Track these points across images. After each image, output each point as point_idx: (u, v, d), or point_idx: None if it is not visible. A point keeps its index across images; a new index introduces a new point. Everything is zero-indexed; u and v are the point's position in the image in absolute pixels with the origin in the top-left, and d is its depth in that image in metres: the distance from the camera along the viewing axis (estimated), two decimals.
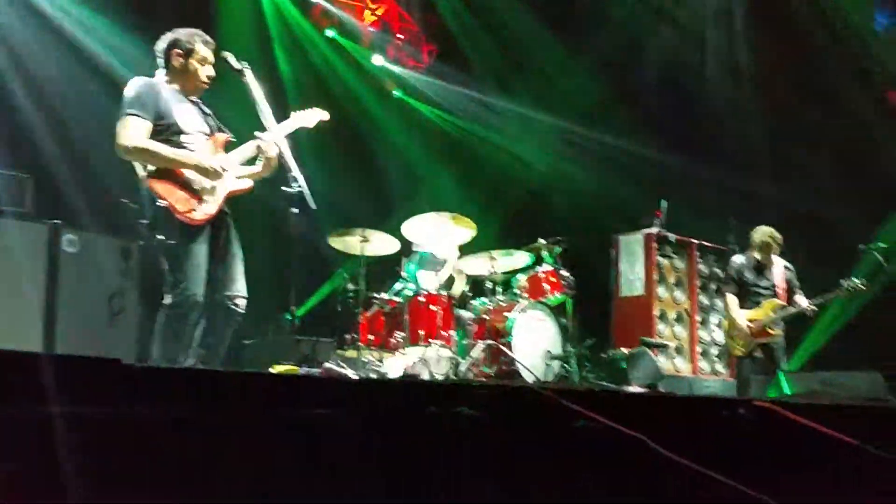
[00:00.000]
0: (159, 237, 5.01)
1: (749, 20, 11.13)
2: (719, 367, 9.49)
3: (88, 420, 1.75)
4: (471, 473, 2.05)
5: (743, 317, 8.26)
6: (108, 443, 1.77)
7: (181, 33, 5.28)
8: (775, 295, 8.26)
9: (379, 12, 11.77)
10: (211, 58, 5.27)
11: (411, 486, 2.03)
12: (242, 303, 5.20)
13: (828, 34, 10.50)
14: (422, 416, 2.09)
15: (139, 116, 4.98)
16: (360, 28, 11.56)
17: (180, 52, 5.22)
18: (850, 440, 2.53)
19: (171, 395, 1.85)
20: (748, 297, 8.35)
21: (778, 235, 8.38)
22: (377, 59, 11.64)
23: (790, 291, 8.29)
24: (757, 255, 8.40)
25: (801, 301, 8.13)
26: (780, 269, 8.38)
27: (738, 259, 8.55)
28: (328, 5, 11.10)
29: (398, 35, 11.98)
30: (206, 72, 5.26)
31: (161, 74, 5.26)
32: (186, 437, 1.85)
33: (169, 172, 5.04)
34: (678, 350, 9.23)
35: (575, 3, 11.19)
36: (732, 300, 8.43)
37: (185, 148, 5.11)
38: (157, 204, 4.97)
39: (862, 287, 7.85)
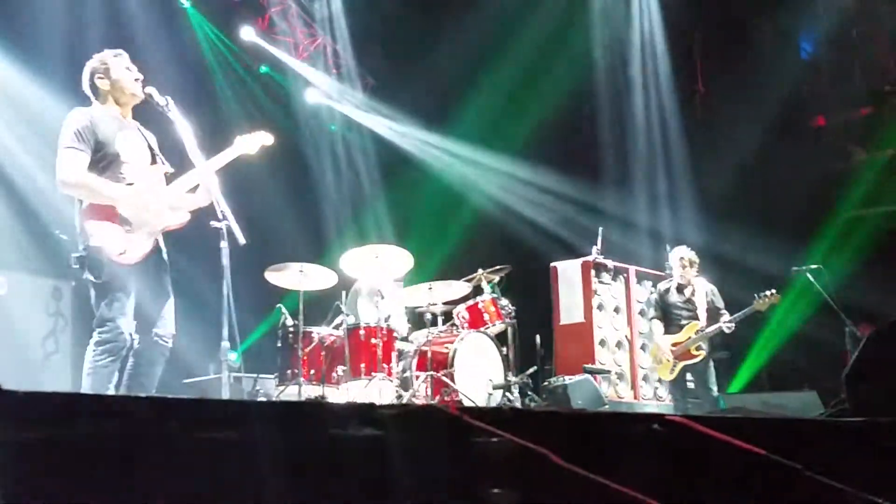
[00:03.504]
0: (89, 275, 5.02)
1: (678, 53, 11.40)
2: (661, 391, 9.56)
3: None
4: (371, 494, 2.06)
5: (667, 341, 8.45)
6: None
7: (94, 58, 5.32)
8: (697, 317, 8.43)
9: (313, 49, 11.83)
10: (130, 65, 5.31)
11: None
12: (170, 340, 5.20)
13: (757, 62, 10.78)
14: (324, 438, 2.09)
15: (77, 150, 5.00)
16: (294, 63, 11.60)
17: (101, 74, 5.26)
18: (760, 451, 2.57)
19: (59, 422, 1.85)
20: (673, 321, 8.55)
21: (691, 254, 8.60)
22: (312, 95, 11.66)
23: (712, 311, 8.44)
24: (678, 278, 8.58)
25: (722, 320, 8.29)
26: (701, 290, 8.56)
27: (662, 284, 8.80)
28: (263, 43, 11.12)
29: (334, 70, 12.03)
30: (130, 85, 5.27)
31: (96, 103, 5.28)
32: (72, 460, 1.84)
33: (104, 209, 5.03)
34: (619, 376, 9.29)
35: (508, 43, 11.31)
36: (657, 325, 8.65)
37: (123, 177, 5.12)
38: (90, 242, 4.96)
39: (774, 298, 8.04)
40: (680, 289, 8.60)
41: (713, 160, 11.15)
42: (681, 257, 8.59)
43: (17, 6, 8.29)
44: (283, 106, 11.37)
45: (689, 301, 8.54)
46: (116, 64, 5.29)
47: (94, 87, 5.30)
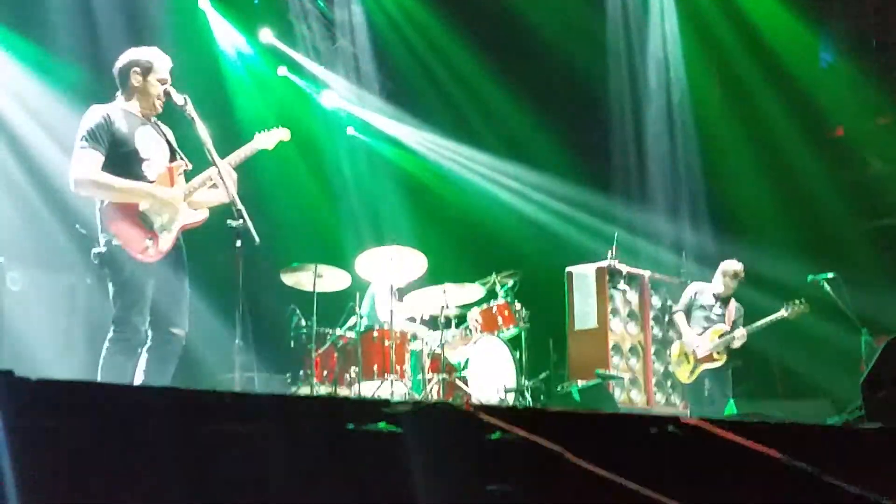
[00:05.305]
0: (108, 272, 5.05)
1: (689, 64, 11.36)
2: (674, 398, 9.51)
3: None
4: (385, 489, 2.06)
5: (693, 338, 8.37)
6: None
7: (140, 51, 5.29)
8: (724, 323, 8.39)
9: (332, 52, 11.84)
10: (168, 76, 5.28)
11: (326, 501, 2.03)
12: (184, 338, 5.21)
13: (774, 73, 10.74)
14: (340, 433, 2.09)
15: (92, 149, 4.99)
16: (312, 66, 11.61)
17: (139, 70, 5.22)
18: (777, 455, 2.55)
19: (72, 409, 1.85)
20: (698, 323, 8.47)
21: (740, 267, 8.52)
22: (329, 98, 11.68)
23: (734, 326, 8.39)
24: (721, 286, 8.51)
25: (738, 332, 8.24)
26: (733, 306, 8.51)
27: (699, 284, 8.68)
28: (280, 44, 11.14)
29: (352, 73, 12.04)
30: (161, 90, 5.25)
31: (119, 98, 5.27)
32: (85, 449, 1.84)
33: (125, 207, 5.03)
34: (633, 382, 9.25)
35: (531, 51, 11.31)
36: (681, 318, 8.55)
37: (143, 175, 5.12)
38: (110, 240, 4.97)
39: (804, 307, 8.01)
40: (716, 296, 8.54)
41: (730, 168, 11.13)
42: (733, 270, 8.49)
43: (34, 4, 8.33)
44: (301, 108, 11.38)
45: (721, 309, 8.48)
46: (160, 69, 5.24)
47: (124, 78, 5.25)
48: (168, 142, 5.36)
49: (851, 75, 10.67)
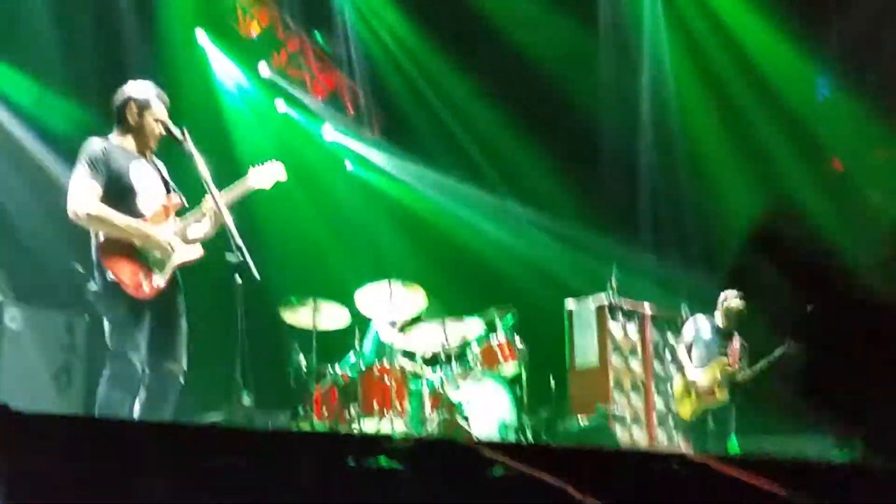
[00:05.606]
0: (104, 309, 5.03)
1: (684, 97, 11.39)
2: (676, 437, 9.45)
3: None
4: None
5: (694, 372, 8.29)
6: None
7: (138, 87, 5.29)
8: (726, 355, 8.32)
9: (328, 84, 11.91)
10: (164, 116, 5.27)
11: None
12: (181, 375, 5.16)
13: (771, 106, 10.77)
14: (341, 469, 2.06)
15: (92, 179, 4.98)
16: (311, 99, 11.67)
17: (135, 107, 5.22)
18: (782, 492, 2.52)
19: (68, 444, 1.83)
20: (700, 358, 8.39)
21: (744, 308, 8.46)
22: (328, 133, 11.72)
23: (739, 362, 8.33)
24: (722, 321, 8.46)
25: (744, 369, 8.17)
26: (736, 342, 8.44)
27: (700, 319, 8.60)
28: (277, 78, 11.19)
29: (348, 106, 12.10)
30: (159, 129, 5.25)
31: (115, 132, 5.26)
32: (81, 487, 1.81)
33: (121, 243, 5.01)
34: (634, 420, 9.19)
35: (527, 85, 11.35)
36: (684, 354, 8.47)
37: (138, 211, 5.10)
38: (106, 276, 4.95)
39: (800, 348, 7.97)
40: (717, 329, 8.49)
41: (728, 202, 11.12)
42: (734, 305, 8.45)
43: (32, 36, 8.37)
44: (300, 141, 11.41)
45: (722, 342, 8.42)
46: (156, 107, 5.25)
47: (121, 113, 5.26)
48: (163, 177, 5.36)
49: (849, 108, 10.70)
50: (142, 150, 5.29)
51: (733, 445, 7.92)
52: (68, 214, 5.01)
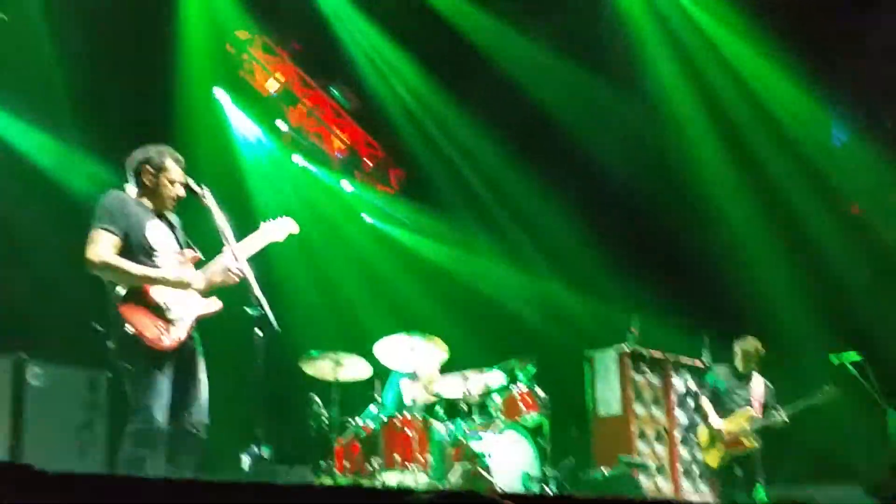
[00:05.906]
0: (124, 364, 5.01)
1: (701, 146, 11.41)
2: (702, 486, 9.32)
3: None
4: None
5: (719, 423, 8.18)
6: None
7: (152, 151, 5.32)
8: (751, 405, 8.21)
9: (346, 138, 12.00)
10: (181, 177, 5.29)
11: None
12: (204, 430, 5.13)
13: (788, 152, 10.78)
14: None
15: (108, 231, 5.00)
16: (328, 154, 11.75)
17: (151, 169, 5.25)
18: None
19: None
20: (722, 406, 8.28)
21: (762, 349, 8.39)
22: (346, 186, 11.79)
23: (766, 408, 8.22)
24: (739, 365, 8.39)
25: (778, 413, 8.06)
26: (759, 385, 8.35)
27: (720, 367, 8.51)
28: (295, 133, 11.28)
29: (366, 160, 12.17)
30: (175, 191, 5.28)
31: (131, 188, 5.29)
32: None
33: (139, 296, 5.01)
34: (659, 469, 9.09)
35: (546, 138, 11.41)
36: (707, 403, 8.35)
37: (155, 266, 5.11)
38: (125, 330, 4.95)
39: (835, 391, 7.86)
40: (738, 375, 8.41)
41: (747, 249, 11.09)
42: (753, 348, 8.39)
43: (52, 95, 8.48)
44: (319, 194, 11.48)
45: (744, 390, 8.32)
46: (171, 169, 5.27)
47: (136, 175, 5.29)
48: (176, 233, 5.37)
49: (865, 153, 10.70)
50: (159, 210, 5.31)
51: (761, 495, 7.79)
52: (85, 263, 5.00)
